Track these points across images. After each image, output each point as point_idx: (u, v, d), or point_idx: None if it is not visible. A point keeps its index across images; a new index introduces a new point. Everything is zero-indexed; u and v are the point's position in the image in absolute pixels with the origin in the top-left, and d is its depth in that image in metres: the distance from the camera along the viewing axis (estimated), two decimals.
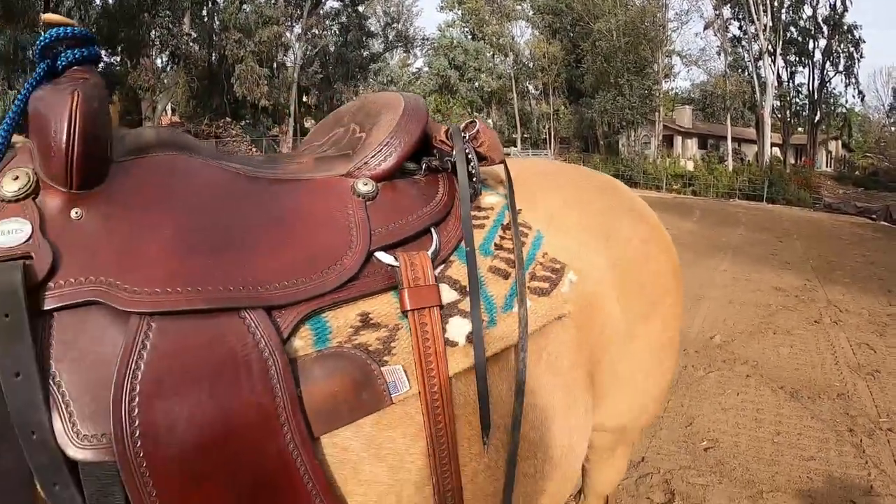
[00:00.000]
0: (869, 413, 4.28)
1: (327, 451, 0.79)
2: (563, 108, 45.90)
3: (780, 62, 37.17)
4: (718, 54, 40.59)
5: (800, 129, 42.00)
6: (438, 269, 0.93)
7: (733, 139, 38.59)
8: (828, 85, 39.14)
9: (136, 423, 0.68)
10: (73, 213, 0.77)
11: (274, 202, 0.90)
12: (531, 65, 46.77)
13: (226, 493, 0.72)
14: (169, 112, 38.36)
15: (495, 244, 1.02)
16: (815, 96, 38.85)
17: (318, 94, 41.19)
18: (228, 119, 32.57)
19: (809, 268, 10.59)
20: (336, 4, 41.67)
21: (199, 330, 0.74)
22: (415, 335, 0.85)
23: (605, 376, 1.17)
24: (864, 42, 37.96)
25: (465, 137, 1.03)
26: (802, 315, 7.07)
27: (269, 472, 0.74)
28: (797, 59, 39.53)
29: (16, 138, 0.84)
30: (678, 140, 40.76)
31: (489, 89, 49.17)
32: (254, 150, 31.89)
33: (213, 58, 33.61)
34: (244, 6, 32.50)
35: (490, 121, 52.11)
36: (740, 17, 37.80)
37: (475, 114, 50.68)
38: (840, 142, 47.96)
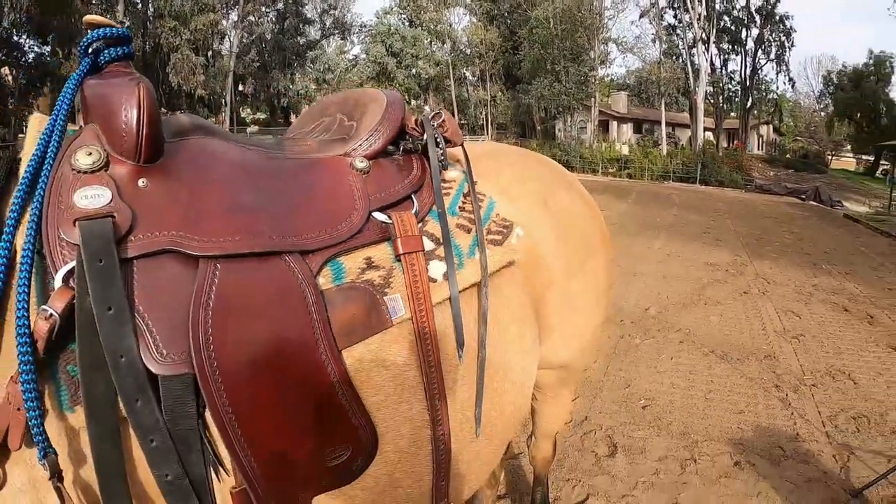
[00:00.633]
0: (794, 371, 4.67)
1: (348, 361, 1.03)
2: (500, 94, 46.15)
3: (713, 50, 38.25)
4: (653, 42, 41.58)
5: (732, 114, 43.37)
6: (418, 226, 1.18)
7: (667, 124, 39.55)
8: (759, 72, 40.63)
9: (211, 339, 0.90)
10: (139, 183, 0.97)
11: (295, 175, 1.14)
12: (469, 51, 46.79)
13: (278, 389, 0.95)
14: None
15: (459, 207, 1.30)
16: (747, 83, 40.25)
17: (255, 82, 40.46)
18: (164, 109, 31.66)
19: (740, 244, 11.11)
20: None
21: (254, 269, 0.98)
22: (407, 272, 1.10)
23: (550, 312, 1.46)
24: (796, 31, 39.49)
25: (433, 125, 1.31)
26: (732, 287, 7.51)
27: (308, 374, 0.97)
28: (730, 47, 40.74)
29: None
30: (614, 125, 41.61)
31: (427, 76, 48.97)
32: None
33: (148, 46, 32.57)
34: None
35: (427, 108, 51.66)
36: (675, 5, 38.56)
37: (412, 101, 50.46)
38: (771, 126, 49.71)
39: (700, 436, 3.59)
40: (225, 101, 35.03)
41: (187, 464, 0.89)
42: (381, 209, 1.15)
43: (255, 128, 43.28)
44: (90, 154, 0.95)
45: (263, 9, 40.49)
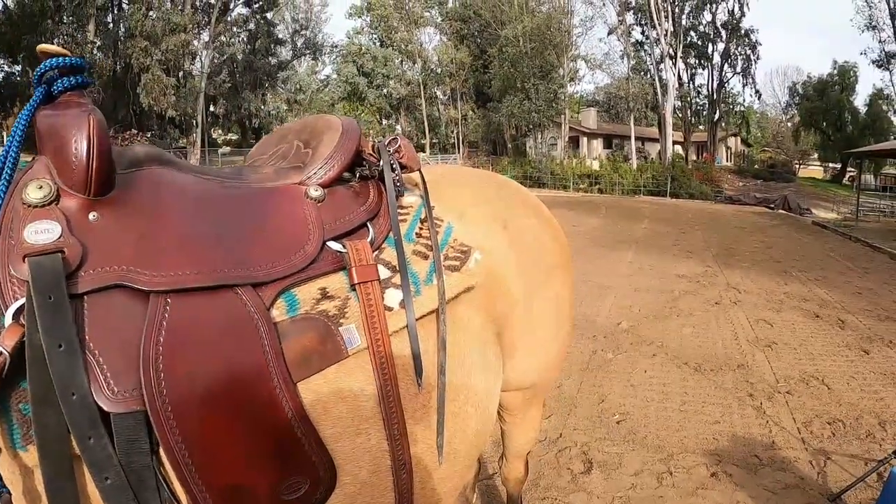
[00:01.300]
0: (768, 380, 4.71)
1: (304, 394, 1.01)
2: (471, 112, 46.60)
3: (680, 65, 39.26)
4: (622, 58, 42.49)
5: (700, 127, 44.16)
6: (374, 254, 1.18)
7: (637, 138, 40.15)
8: (726, 85, 41.71)
9: (162, 375, 0.88)
10: (90, 216, 0.96)
11: (249, 204, 1.14)
12: (439, 71, 47.21)
13: (232, 424, 0.94)
14: None
15: (416, 233, 1.29)
16: (715, 96, 41.27)
17: (226, 103, 40.28)
18: (134, 131, 30.98)
19: (710, 255, 11.26)
20: (244, 11, 40.75)
21: (206, 302, 0.97)
22: (362, 302, 1.09)
23: (513, 333, 1.46)
24: (761, 44, 40.61)
25: (389, 151, 1.31)
26: (704, 298, 7.58)
27: (262, 408, 0.96)
28: (697, 61, 41.81)
29: None
30: (584, 141, 42.08)
31: (398, 96, 49.27)
32: None
33: (119, 67, 32.32)
34: (150, 13, 31.27)
35: (399, 127, 52.16)
36: (643, 22, 39.52)
37: (384, 121, 50.64)
38: (739, 138, 50.74)
39: (675, 448, 3.59)
40: (196, 122, 34.71)
41: (142, 501, 0.88)
42: (336, 238, 1.15)
43: (227, 149, 43.14)
44: (41, 188, 0.95)
45: (235, 29, 40.43)
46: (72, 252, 0.90)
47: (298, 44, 49.55)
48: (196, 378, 0.91)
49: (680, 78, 39.65)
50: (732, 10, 39.08)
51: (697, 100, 43.42)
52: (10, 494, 0.83)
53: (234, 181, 1.19)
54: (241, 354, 0.95)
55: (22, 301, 0.86)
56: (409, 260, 1.21)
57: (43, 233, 0.91)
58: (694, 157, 40.92)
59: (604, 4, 41.57)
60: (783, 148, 53.94)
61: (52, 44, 1.05)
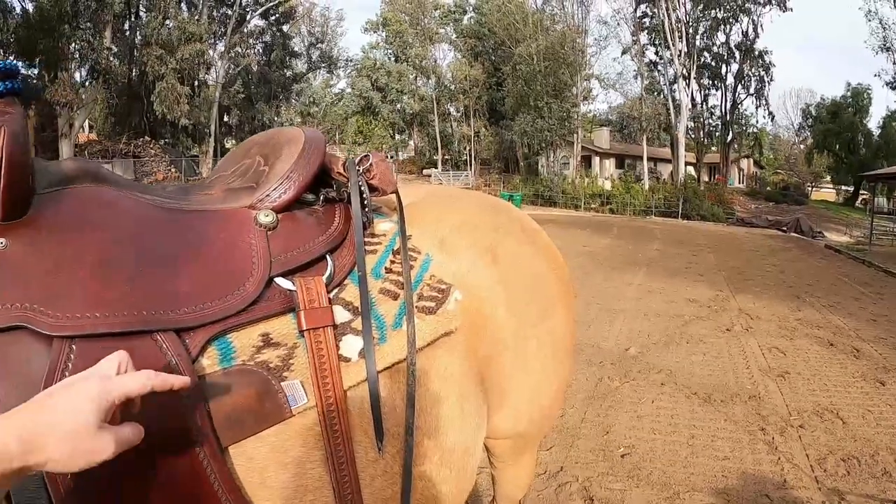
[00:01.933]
0: (780, 412, 4.52)
1: (236, 460, 0.86)
2: (483, 129, 46.69)
3: (694, 85, 39.18)
4: (635, 78, 42.63)
5: (713, 148, 44.07)
6: (333, 292, 1.02)
7: (649, 159, 40.12)
8: (739, 106, 41.49)
9: None
10: None
11: (185, 232, 0.97)
12: (453, 87, 47.36)
13: (145, 496, 0.78)
14: (86, 129, 36.90)
15: (386, 268, 1.11)
16: (728, 117, 41.12)
17: (240, 113, 40.57)
18: (147, 138, 31.60)
19: (722, 279, 11.07)
20: (261, 23, 41.29)
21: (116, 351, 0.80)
22: (311, 352, 0.93)
23: (502, 378, 1.28)
24: (774, 66, 40.48)
25: (359, 171, 1.14)
26: (715, 324, 7.38)
27: (182, 480, 0.80)
28: (710, 82, 41.68)
29: None
30: (596, 160, 41.98)
31: (411, 111, 49.51)
32: (173, 170, 30.97)
33: (134, 74, 32.52)
34: (167, 21, 31.47)
35: (412, 142, 52.36)
36: (657, 42, 39.63)
37: (397, 136, 50.81)
38: (752, 160, 50.50)
39: (682, 486, 3.42)
40: (209, 132, 34.88)
41: None
42: (287, 273, 0.98)
43: None
44: None
45: (250, 40, 40.81)
46: None
47: (314, 57, 50.00)
48: None
49: (693, 99, 39.63)
50: (746, 32, 39.05)
51: (710, 121, 43.27)
52: None
53: (176, 202, 1.02)
54: (156, 415, 0.79)
55: None
56: (375, 300, 1.05)
57: None
58: (706, 179, 40.83)
59: (618, 24, 42.01)
60: (796, 170, 53.73)
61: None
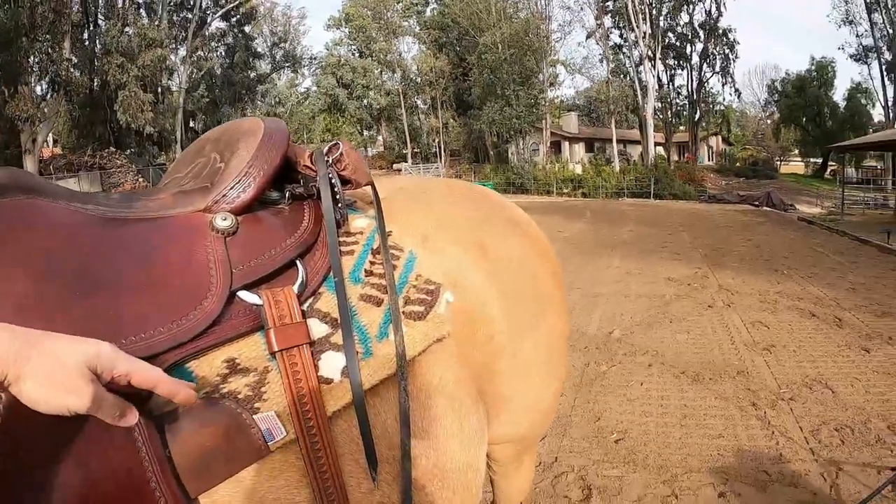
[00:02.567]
0: (769, 386, 4.51)
1: None
2: (451, 120, 46.52)
3: (659, 66, 39.64)
4: (601, 62, 42.86)
5: (681, 127, 44.62)
6: (307, 303, 0.88)
7: (619, 141, 40.31)
8: (706, 85, 42.08)
9: None
10: None
11: (129, 245, 0.83)
12: (419, 80, 47.11)
13: None
14: (51, 143, 36.06)
15: (365, 270, 0.98)
16: (695, 96, 41.64)
17: (205, 118, 40.08)
18: (113, 149, 30.86)
19: (699, 256, 11.12)
20: (222, 25, 40.78)
21: None
22: (286, 377, 0.78)
23: (500, 382, 1.16)
24: (739, 44, 41.05)
25: (328, 161, 1.00)
26: (696, 302, 7.38)
27: None
28: (676, 62, 42.20)
29: None
30: (566, 145, 42.04)
31: (378, 106, 49.21)
32: (141, 180, 30.39)
33: (96, 84, 31.61)
34: (127, 28, 30.73)
35: (380, 137, 52.07)
36: (621, 25, 39.93)
37: (365, 132, 50.50)
38: (720, 137, 50.94)
39: (679, 468, 3.36)
40: (175, 139, 34.31)
41: None
42: (252, 285, 0.84)
43: None
44: None
45: (212, 43, 40.27)
46: None
47: (277, 57, 49.51)
48: (45, 500, 0.63)
49: (659, 79, 40.06)
50: (710, 11, 39.55)
51: (678, 100, 43.82)
52: None
53: (120, 211, 0.87)
54: (104, 464, 0.66)
55: None
56: (356, 308, 0.91)
57: None
58: (676, 158, 41.22)
59: (581, 9, 41.99)
60: (764, 145, 54.45)
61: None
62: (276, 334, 0.79)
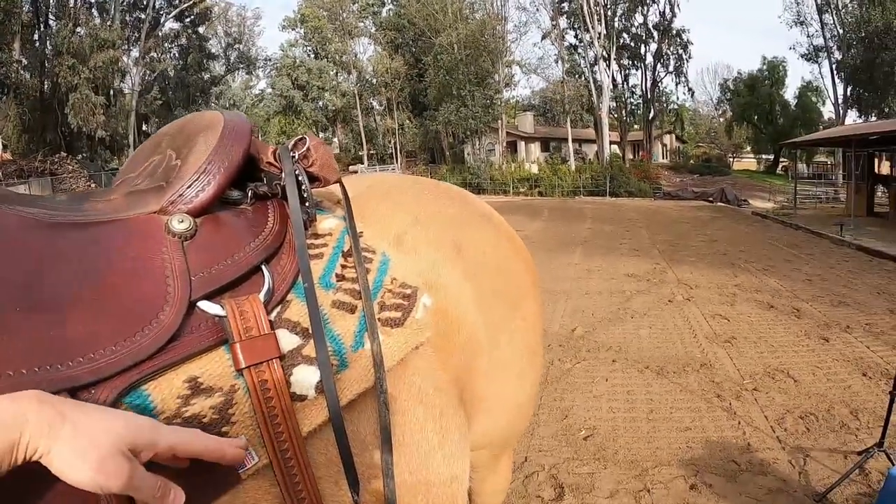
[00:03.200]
0: (733, 377, 4.59)
1: None
2: (407, 122, 46.40)
3: (614, 66, 40.32)
4: (556, 62, 43.24)
5: (636, 126, 45.36)
6: (275, 313, 0.79)
7: (574, 140, 40.73)
8: (660, 84, 42.97)
9: None
10: None
11: (76, 253, 0.72)
12: (375, 81, 46.85)
13: None
14: (0, 149, 34.91)
15: (337, 275, 0.89)
16: (649, 95, 42.50)
17: (158, 121, 39.34)
18: (64, 153, 29.95)
19: (657, 252, 11.29)
20: (175, 26, 40.09)
21: None
22: (255, 396, 0.70)
23: (479, 383, 1.10)
24: (692, 44, 42.05)
25: (294, 157, 0.91)
26: (656, 297, 7.50)
27: None
28: (630, 62, 43.04)
29: None
30: (522, 145, 42.34)
31: (334, 108, 48.75)
32: (93, 185, 29.55)
33: (46, 86, 30.68)
34: (78, 29, 29.92)
35: (336, 139, 51.64)
36: (576, 26, 40.44)
37: (321, 134, 50.01)
38: (674, 135, 51.95)
39: (649, 462, 3.39)
40: (128, 143, 33.54)
41: None
42: (213, 294, 0.75)
43: None
44: None
45: (166, 44, 39.50)
46: None
47: (231, 58, 48.84)
48: None
49: (614, 79, 40.67)
50: (663, 12, 40.40)
51: (632, 100, 44.62)
52: None
53: (68, 215, 0.77)
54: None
55: None
56: (328, 316, 0.83)
57: None
58: (631, 156, 41.90)
59: (537, 10, 42.43)
60: (717, 143, 55.77)
61: None
62: (243, 348, 0.71)
